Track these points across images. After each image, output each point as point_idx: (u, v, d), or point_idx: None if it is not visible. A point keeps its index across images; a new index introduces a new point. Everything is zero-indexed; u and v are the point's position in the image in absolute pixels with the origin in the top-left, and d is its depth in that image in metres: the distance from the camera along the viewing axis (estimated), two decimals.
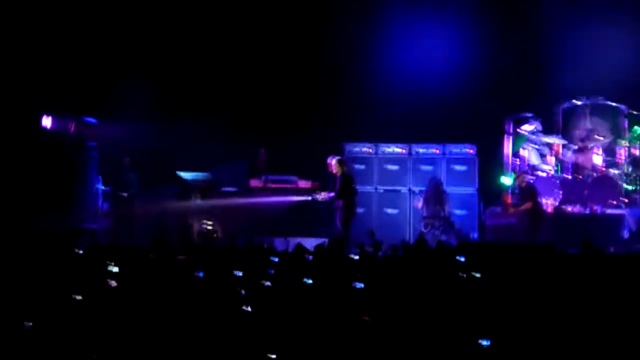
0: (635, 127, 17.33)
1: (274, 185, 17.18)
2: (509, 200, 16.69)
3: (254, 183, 17.30)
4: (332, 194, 15.02)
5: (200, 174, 17.09)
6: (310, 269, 7.14)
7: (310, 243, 12.18)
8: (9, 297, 6.63)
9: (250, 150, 17.96)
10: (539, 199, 16.14)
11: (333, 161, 15.33)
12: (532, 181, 16.78)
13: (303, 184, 17.08)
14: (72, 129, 16.29)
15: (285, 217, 16.42)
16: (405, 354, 4.70)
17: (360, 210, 15.99)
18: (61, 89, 16.51)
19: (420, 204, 16.68)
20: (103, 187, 16.71)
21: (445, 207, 16.49)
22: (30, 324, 5.96)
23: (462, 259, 7.95)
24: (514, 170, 17.40)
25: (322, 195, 15.27)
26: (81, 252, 9.71)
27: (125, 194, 16.82)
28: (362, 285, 6.36)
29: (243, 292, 6.81)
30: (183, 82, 18.28)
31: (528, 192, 16.04)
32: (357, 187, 15.62)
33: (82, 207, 16.23)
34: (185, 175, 16.88)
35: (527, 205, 15.81)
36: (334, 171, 15.32)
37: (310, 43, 18.83)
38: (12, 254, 9.13)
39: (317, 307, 5.73)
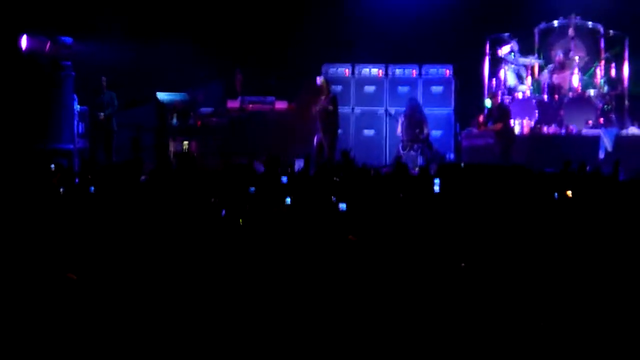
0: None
1: (251, 106, 17.16)
2: (481, 118, 16.74)
3: (231, 104, 17.26)
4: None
5: (177, 94, 17.01)
6: (292, 188, 7.21)
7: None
8: None
9: (227, 71, 17.89)
10: (510, 121, 16.18)
11: (321, 80, 15.46)
12: (506, 102, 16.84)
13: (280, 104, 17.06)
14: (48, 48, 16.10)
15: (262, 137, 16.44)
16: (388, 273, 4.82)
17: (338, 131, 16.07)
18: (36, 7, 16.27)
19: (399, 129, 16.66)
20: (79, 107, 16.59)
21: (424, 130, 16.50)
22: None
23: (438, 181, 8.04)
24: (490, 90, 17.44)
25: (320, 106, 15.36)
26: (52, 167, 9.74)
27: (102, 114, 16.70)
28: (344, 206, 6.46)
29: (223, 212, 6.84)
30: (160, 1, 18.05)
31: (500, 112, 16.08)
32: None
33: (57, 127, 16.13)
34: (162, 95, 16.79)
35: (497, 126, 15.86)
36: (323, 91, 15.46)
37: None
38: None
39: (302, 227, 5.83)
